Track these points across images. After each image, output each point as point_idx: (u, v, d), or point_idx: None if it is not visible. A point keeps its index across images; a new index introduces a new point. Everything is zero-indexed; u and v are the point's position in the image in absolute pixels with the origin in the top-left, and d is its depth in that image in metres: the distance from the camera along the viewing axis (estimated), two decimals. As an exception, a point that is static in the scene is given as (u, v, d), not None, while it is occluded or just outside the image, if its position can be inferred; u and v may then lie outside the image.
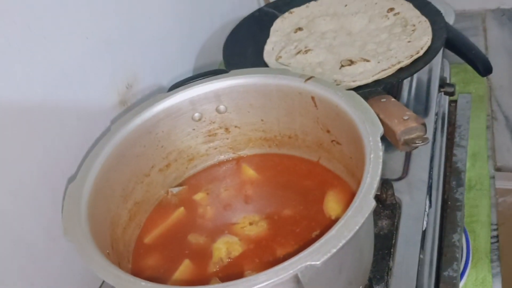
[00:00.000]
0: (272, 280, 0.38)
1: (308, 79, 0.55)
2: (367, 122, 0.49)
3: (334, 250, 0.38)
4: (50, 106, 0.59)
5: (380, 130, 0.47)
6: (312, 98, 0.55)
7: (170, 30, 0.84)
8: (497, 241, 0.80)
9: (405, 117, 0.58)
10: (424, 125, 0.57)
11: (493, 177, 0.87)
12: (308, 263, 0.38)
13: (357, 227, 0.39)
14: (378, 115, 0.51)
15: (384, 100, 0.64)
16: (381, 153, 0.45)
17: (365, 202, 0.41)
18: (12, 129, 0.54)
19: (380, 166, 0.43)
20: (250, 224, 0.57)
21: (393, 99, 0.65)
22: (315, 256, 0.38)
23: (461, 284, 0.73)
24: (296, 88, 0.56)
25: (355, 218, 0.40)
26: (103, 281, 0.64)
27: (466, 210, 0.82)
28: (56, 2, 0.59)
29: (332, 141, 0.57)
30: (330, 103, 0.53)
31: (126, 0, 0.72)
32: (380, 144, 0.46)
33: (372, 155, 0.45)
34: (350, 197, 0.56)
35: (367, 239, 0.48)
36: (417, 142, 0.55)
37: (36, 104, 0.57)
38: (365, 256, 0.49)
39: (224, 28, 0.91)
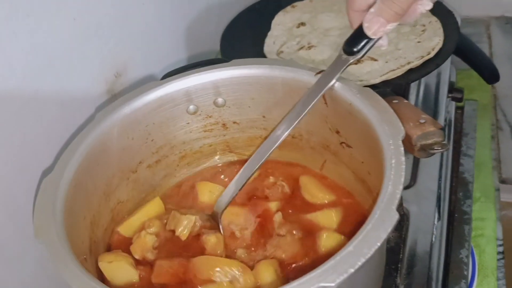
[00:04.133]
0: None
1: (319, 72, 0.50)
2: (385, 123, 0.44)
3: (352, 270, 0.33)
4: (29, 92, 0.52)
5: (402, 132, 0.42)
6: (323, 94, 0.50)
7: (164, 17, 0.79)
8: (503, 258, 0.75)
9: (422, 121, 0.53)
10: (442, 129, 0.51)
11: (498, 190, 0.82)
12: (321, 284, 0.32)
13: (379, 244, 0.34)
14: (391, 117, 0.46)
15: (396, 101, 0.59)
16: (403, 159, 0.40)
17: (387, 214, 0.36)
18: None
19: (403, 173, 0.38)
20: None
21: (405, 101, 0.60)
22: (329, 277, 0.32)
23: (466, 303, 0.69)
24: (304, 83, 0.51)
25: (376, 232, 0.34)
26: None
27: (471, 224, 0.78)
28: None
29: (342, 143, 0.52)
30: (343, 100, 0.48)
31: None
32: (402, 148, 0.41)
33: (393, 161, 0.39)
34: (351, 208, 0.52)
35: (381, 255, 0.43)
36: (435, 148, 0.50)
37: (14, 88, 0.50)
38: (377, 274, 0.44)
39: (221, 16, 0.85)
